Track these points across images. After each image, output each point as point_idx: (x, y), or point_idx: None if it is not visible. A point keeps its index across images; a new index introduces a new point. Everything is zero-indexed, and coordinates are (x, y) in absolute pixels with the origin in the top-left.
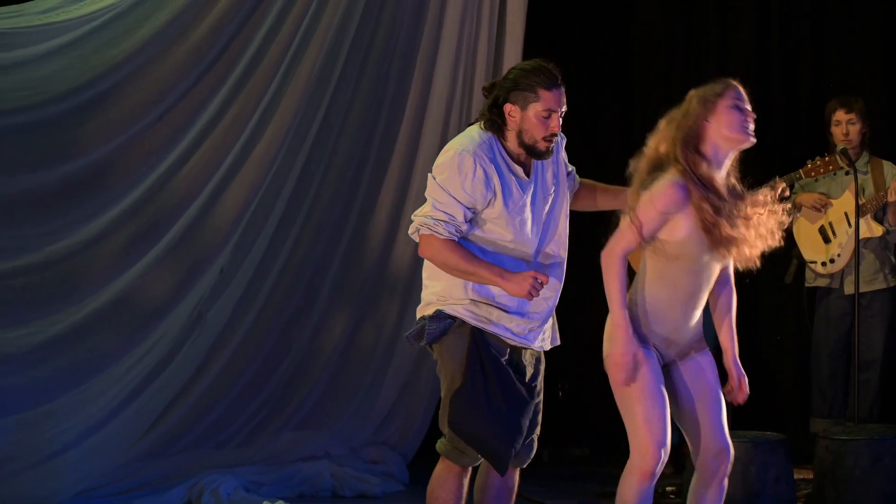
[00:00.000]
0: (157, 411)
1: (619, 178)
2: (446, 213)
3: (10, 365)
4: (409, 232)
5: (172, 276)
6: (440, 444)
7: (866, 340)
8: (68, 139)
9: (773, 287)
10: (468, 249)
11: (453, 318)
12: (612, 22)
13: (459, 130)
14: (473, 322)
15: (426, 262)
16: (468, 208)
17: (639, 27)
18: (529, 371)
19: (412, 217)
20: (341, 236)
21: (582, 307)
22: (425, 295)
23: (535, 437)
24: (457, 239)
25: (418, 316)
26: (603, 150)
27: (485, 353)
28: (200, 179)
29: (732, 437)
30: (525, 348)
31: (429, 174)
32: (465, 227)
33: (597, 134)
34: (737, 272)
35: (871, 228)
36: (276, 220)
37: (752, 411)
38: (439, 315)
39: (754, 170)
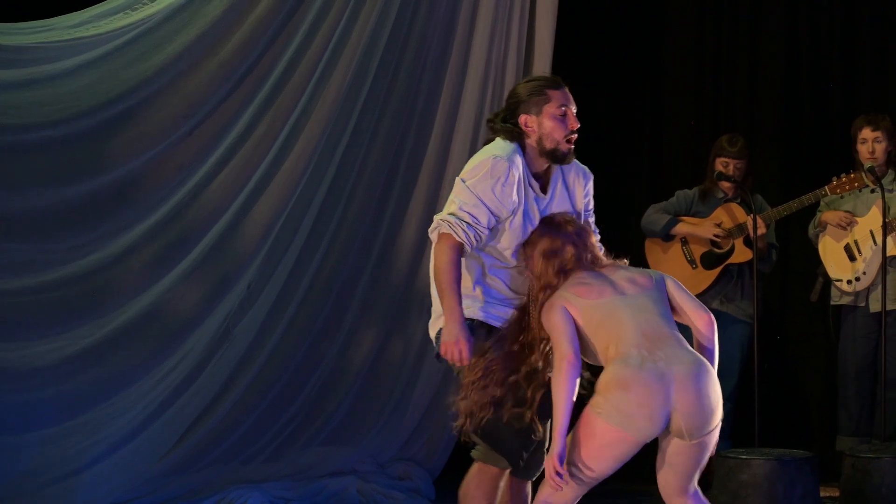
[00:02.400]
0: (184, 426)
1: (648, 195)
2: (471, 216)
3: (38, 378)
4: (429, 230)
5: (201, 290)
6: (475, 451)
7: (892, 359)
8: (98, 153)
9: (798, 305)
10: (458, 276)
11: (470, 319)
12: (642, 40)
13: None
14: (492, 322)
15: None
16: (494, 215)
17: (669, 45)
18: None
19: (434, 217)
20: (370, 251)
21: None
22: (437, 306)
23: (545, 449)
24: (473, 247)
25: (433, 331)
26: (632, 168)
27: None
28: (229, 194)
29: (759, 454)
30: None
31: (457, 178)
32: (485, 234)
33: (626, 152)
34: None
35: None
36: (305, 235)
37: (779, 429)
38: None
39: (783, 186)
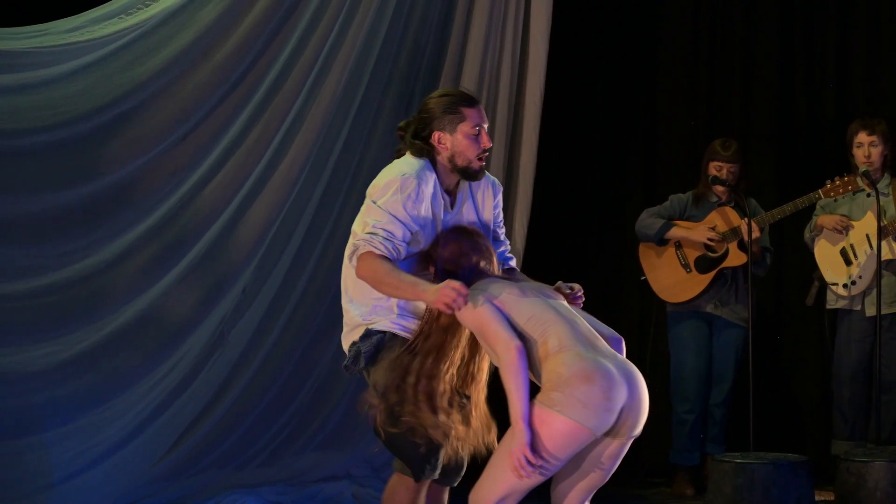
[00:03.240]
0: (179, 430)
1: (642, 199)
2: (385, 231)
3: (33, 383)
4: (347, 255)
5: (195, 294)
6: (396, 461)
7: (887, 362)
8: (92, 158)
9: (794, 309)
10: (395, 265)
11: (383, 332)
12: (637, 43)
13: None
14: (404, 333)
15: (345, 286)
16: (409, 230)
17: (664, 49)
18: None
19: (348, 243)
20: None
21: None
22: (349, 319)
23: (466, 456)
24: (394, 258)
25: (346, 343)
26: (627, 172)
27: None
28: (224, 198)
29: (754, 458)
30: None
31: (367, 200)
32: (403, 248)
33: (620, 155)
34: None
35: (892, 250)
36: (300, 240)
37: (774, 433)
38: (369, 334)
39: (778, 190)
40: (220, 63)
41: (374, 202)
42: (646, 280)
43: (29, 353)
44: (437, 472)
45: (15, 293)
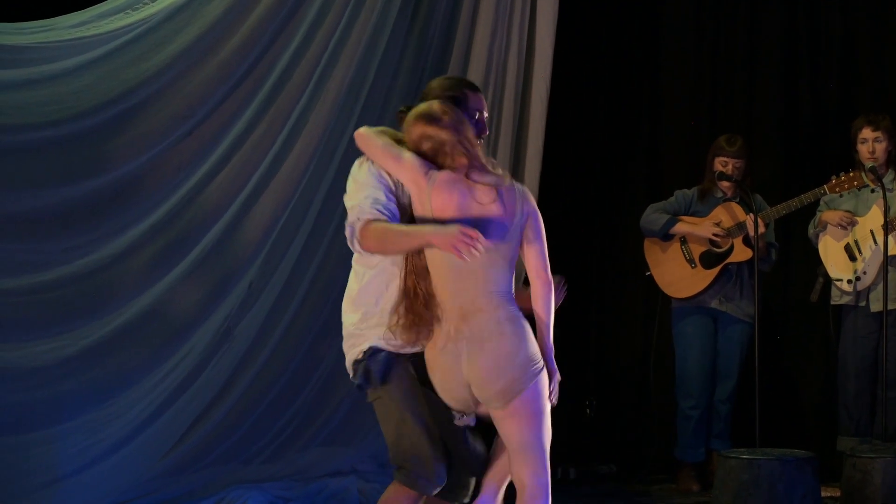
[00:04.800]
0: (184, 426)
1: (647, 195)
2: (368, 198)
3: (38, 378)
4: (348, 238)
5: (201, 290)
6: (397, 472)
7: (893, 358)
8: (97, 154)
9: (799, 305)
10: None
11: (378, 349)
12: (641, 41)
13: (487, 149)
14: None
15: (346, 294)
16: (389, 191)
17: (667, 46)
18: None
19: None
20: None
21: (609, 326)
22: (350, 328)
23: (470, 475)
24: (390, 218)
25: (351, 356)
26: (631, 168)
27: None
28: (230, 194)
29: (759, 454)
30: None
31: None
32: (393, 207)
33: (625, 151)
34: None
35: None
36: (305, 236)
37: (780, 429)
38: (374, 351)
39: (783, 186)
40: (226, 59)
41: (347, 191)
42: (651, 275)
43: (33, 348)
44: (441, 486)
45: (19, 288)
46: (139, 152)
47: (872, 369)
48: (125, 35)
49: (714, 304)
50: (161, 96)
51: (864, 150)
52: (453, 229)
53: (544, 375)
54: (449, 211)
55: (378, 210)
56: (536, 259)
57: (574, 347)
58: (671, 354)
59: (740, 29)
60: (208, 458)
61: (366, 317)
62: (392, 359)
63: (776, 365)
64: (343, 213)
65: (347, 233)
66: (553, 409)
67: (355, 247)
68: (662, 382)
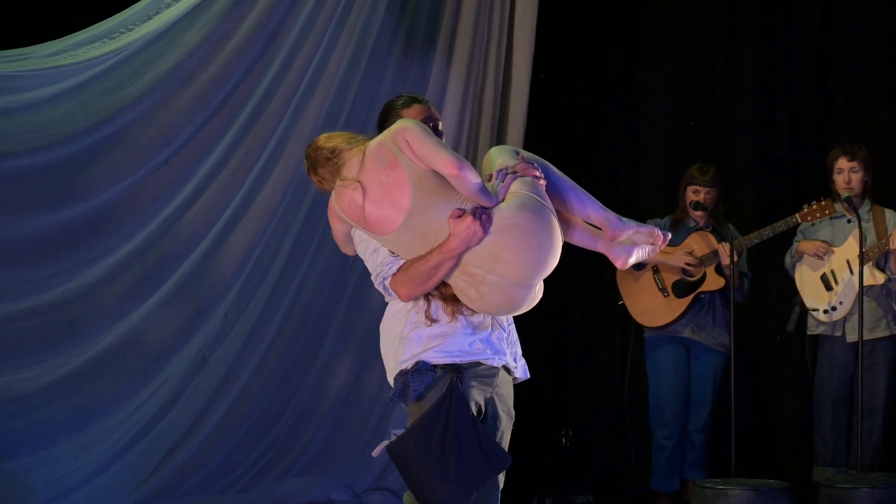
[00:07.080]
0: (160, 455)
1: (622, 200)
2: (374, 252)
3: (14, 407)
4: (387, 300)
5: (177, 319)
6: (407, 496)
7: (869, 388)
8: (74, 182)
9: (775, 335)
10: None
11: (434, 368)
12: (619, 69)
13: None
14: (451, 360)
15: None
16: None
17: (645, 74)
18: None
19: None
20: (346, 282)
21: (585, 356)
22: (390, 361)
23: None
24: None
25: (394, 373)
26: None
27: (456, 406)
28: (205, 223)
29: (735, 484)
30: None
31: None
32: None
33: (602, 179)
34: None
35: (873, 276)
36: (281, 265)
37: (756, 459)
38: (421, 367)
39: (759, 215)
40: (203, 88)
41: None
42: (623, 304)
43: (9, 377)
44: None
45: None
46: (116, 181)
47: (848, 399)
48: (102, 64)
49: (686, 333)
50: (137, 125)
51: (839, 180)
52: (458, 225)
53: None
54: (386, 210)
55: (393, 257)
56: (441, 165)
57: (551, 377)
58: (645, 384)
59: (718, 56)
60: (184, 488)
61: (407, 342)
62: (434, 381)
63: (752, 394)
64: (318, 244)
65: (378, 285)
66: (529, 439)
67: (391, 296)
68: (638, 412)
